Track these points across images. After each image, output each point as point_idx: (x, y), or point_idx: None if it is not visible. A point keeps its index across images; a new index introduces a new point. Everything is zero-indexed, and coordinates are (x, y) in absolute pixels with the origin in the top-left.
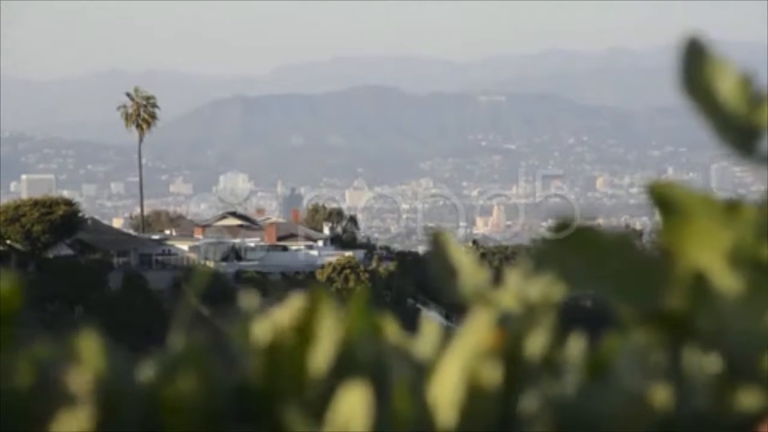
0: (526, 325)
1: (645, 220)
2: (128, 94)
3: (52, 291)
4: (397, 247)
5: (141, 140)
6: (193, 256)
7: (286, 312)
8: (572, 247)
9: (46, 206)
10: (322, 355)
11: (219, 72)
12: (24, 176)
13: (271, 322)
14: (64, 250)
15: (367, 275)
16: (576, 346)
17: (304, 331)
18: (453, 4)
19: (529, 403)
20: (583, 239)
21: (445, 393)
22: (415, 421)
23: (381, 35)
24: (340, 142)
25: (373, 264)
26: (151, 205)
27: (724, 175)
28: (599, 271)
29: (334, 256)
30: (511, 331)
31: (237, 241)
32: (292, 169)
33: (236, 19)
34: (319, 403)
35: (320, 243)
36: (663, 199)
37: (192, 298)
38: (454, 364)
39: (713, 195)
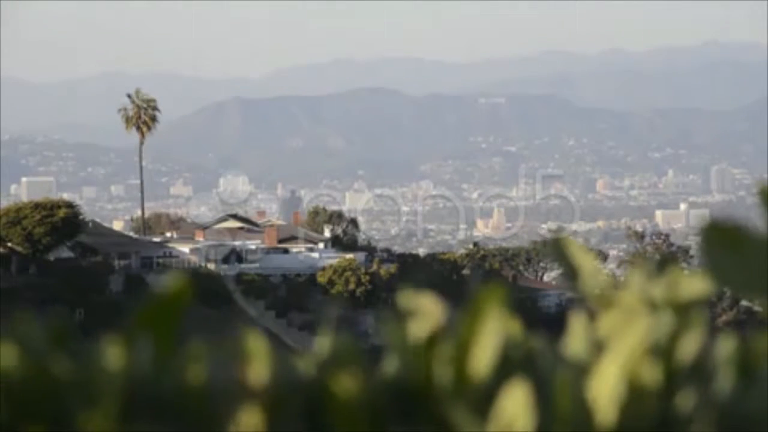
0: (680, 325)
1: (645, 222)
2: (129, 97)
3: (53, 293)
4: (397, 249)
5: (141, 143)
6: (194, 258)
7: (442, 311)
8: (723, 246)
9: (47, 209)
10: (485, 353)
11: (219, 74)
12: (24, 179)
13: (429, 320)
14: (65, 253)
15: (367, 277)
16: (727, 346)
17: (468, 330)
18: (452, 5)
19: (686, 403)
20: (734, 239)
21: (605, 392)
22: (575, 421)
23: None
24: (340, 144)
25: (374, 266)
26: (151, 208)
27: (724, 177)
28: (749, 271)
29: (335, 259)
30: (665, 330)
31: (238, 243)
32: (292, 171)
33: (236, 22)
34: (482, 402)
35: (321, 245)
36: None
37: (338, 299)
38: (613, 364)
39: None
